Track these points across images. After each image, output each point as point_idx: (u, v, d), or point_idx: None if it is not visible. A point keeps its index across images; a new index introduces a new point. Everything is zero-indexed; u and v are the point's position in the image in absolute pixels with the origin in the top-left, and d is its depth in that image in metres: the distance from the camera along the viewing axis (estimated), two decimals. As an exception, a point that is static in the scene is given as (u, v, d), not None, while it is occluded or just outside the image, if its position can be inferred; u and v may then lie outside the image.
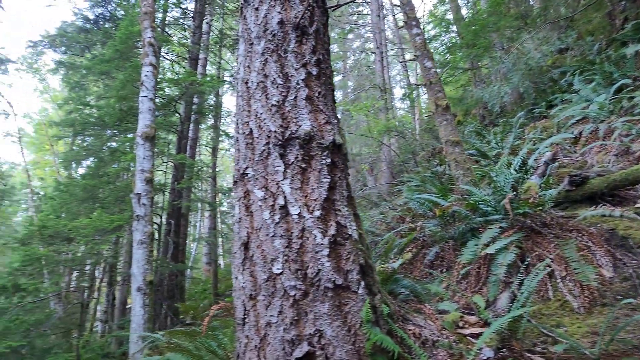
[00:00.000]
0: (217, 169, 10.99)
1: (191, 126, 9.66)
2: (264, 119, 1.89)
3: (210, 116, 11.04)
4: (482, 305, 2.25)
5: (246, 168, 1.90)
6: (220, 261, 15.91)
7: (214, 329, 2.03)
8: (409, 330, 1.85)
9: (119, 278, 10.73)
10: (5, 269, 12.21)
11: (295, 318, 1.62)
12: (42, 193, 16.28)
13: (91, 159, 11.22)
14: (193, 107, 9.33)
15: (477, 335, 1.93)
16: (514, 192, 3.07)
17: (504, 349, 1.86)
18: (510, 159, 3.73)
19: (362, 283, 1.72)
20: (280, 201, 1.76)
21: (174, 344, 1.97)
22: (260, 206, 1.81)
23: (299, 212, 1.74)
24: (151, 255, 6.47)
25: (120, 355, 7.16)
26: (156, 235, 9.13)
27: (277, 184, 1.80)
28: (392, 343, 1.55)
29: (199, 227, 17.74)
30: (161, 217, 8.66)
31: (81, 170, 13.55)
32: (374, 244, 4.19)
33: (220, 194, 12.29)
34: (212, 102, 10.45)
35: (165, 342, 4.91)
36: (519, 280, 2.37)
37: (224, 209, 14.19)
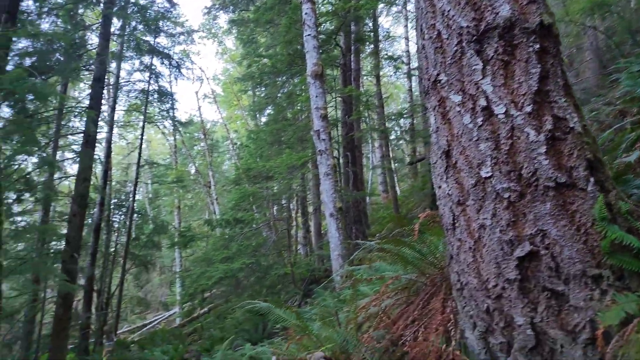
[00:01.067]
0: (382, 97, 11.10)
1: (352, 57, 9.86)
2: (453, 15, 1.78)
3: (368, 43, 10.99)
4: None
5: (438, 74, 1.87)
6: (397, 187, 16.54)
7: (421, 238, 2.20)
8: (657, 230, 1.61)
9: (310, 209, 12.45)
10: (226, 207, 15.59)
11: (512, 220, 1.61)
12: (238, 143, 19.68)
13: (270, 106, 12.82)
14: (352, 36, 9.44)
15: None
16: None
17: None
18: None
19: (591, 179, 1.56)
20: (482, 102, 1.70)
21: (385, 250, 2.24)
22: (458, 111, 1.78)
23: (505, 111, 1.65)
24: (337, 185, 7.21)
25: (324, 271, 8.50)
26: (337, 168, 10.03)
27: (475, 84, 1.72)
28: (636, 240, 1.40)
29: (371, 157, 18.64)
30: (338, 151, 9.43)
31: (264, 119, 15.71)
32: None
33: (388, 122, 12.45)
34: (370, 28, 10.33)
35: (362, 256, 5.55)
36: None
37: (392, 137, 14.39)
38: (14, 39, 9.78)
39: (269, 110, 13.07)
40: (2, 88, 7.12)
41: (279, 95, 11.62)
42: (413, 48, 15.97)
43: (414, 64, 15.84)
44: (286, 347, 3.28)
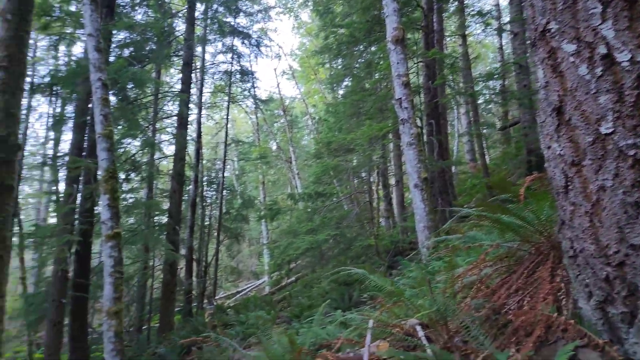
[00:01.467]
0: (469, 58, 10.38)
1: (434, 17, 9.33)
2: (565, -46, 1.62)
3: (452, 1, 10.26)
4: None
5: (547, 23, 1.72)
6: (486, 155, 15.57)
7: (525, 203, 2.09)
8: None
9: (392, 181, 12.32)
10: (307, 181, 16.08)
11: (638, 180, 1.47)
12: (317, 117, 19.98)
13: (348, 78, 12.76)
14: (434, -6, 8.91)
15: None
16: None
17: None
18: None
19: None
20: (602, 50, 1.53)
21: (483, 217, 2.17)
22: (572, 62, 1.63)
23: (631, 58, 1.48)
24: (421, 155, 7.03)
25: (409, 243, 8.48)
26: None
27: (593, 30, 1.56)
28: None
29: (456, 125, 17.76)
30: (421, 119, 9.14)
31: (341, 91, 15.70)
32: None
33: (476, 85, 11.66)
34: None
35: (451, 226, 5.41)
36: None
37: (480, 101, 13.49)
38: (113, 32, 10.87)
39: (346, 82, 13.01)
40: (109, 77, 8.00)
41: (356, 65, 11.49)
42: (504, 0, 14.56)
43: (505, 18, 14.48)
44: (378, 314, 3.39)
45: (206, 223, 16.34)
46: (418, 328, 2.59)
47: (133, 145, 14.42)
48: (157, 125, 14.98)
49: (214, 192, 17.27)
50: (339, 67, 13.01)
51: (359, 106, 10.69)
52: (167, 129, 17.45)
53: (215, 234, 15.26)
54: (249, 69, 14.38)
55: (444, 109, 9.96)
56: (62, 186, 13.40)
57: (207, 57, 14.26)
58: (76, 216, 10.08)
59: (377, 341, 2.63)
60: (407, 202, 13.41)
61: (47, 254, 11.14)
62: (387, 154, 12.79)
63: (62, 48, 14.76)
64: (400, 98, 6.82)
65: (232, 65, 13.75)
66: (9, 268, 2.63)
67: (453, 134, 17.71)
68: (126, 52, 11.49)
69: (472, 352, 2.13)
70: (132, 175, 13.24)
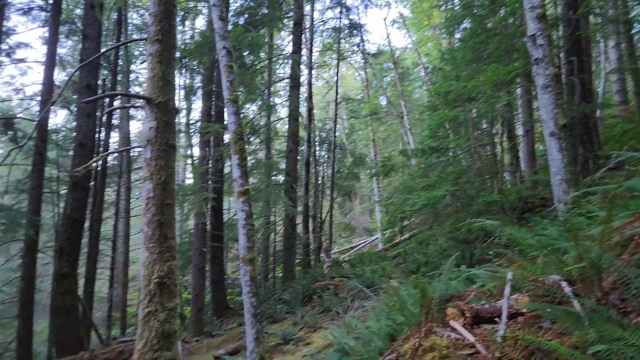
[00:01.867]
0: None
1: None
2: None
3: None
4: None
5: None
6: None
7: None
8: None
9: (519, 131, 11.22)
10: (421, 136, 15.58)
11: None
12: (430, 67, 18.91)
13: (467, 19, 11.68)
14: None
15: None
16: None
17: None
18: None
19: None
20: None
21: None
22: None
23: None
24: (559, 98, 6.25)
25: (540, 199, 7.77)
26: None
27: None
28: None
29: (602, 61, 15.16)
30: (559, 57, 8.02)
31: (458, 35, 14.48)
32: None
33: (631, 11, 9.66)
34: None
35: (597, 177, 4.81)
36: None
37: (637, 29, 11.22)
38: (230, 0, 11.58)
39: (465, 24, 11.92)
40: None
41: (477, 3, 10.40)
42: None
43: None
44: (512, 270, 3.26)
45: (319, 181, 17.13)
46: (564, 284, 2.45)
47: (251, 110, 15.57)
48: (272, 89, 15.83)
49: (325, 152, 17.89)
50: (456, 7, 11.95)
51: (480, 50, 9.74)
52: (280, 92, 18.36)
53: (329, 191, 15.93)
54: (358, 22, 14.12)
55: (588, 44, 8.54)
56: (196, 150, 15.25)
57: (316, 15, 14.35)
58: (209, 176, 11.47)
59: (515, 295, 2.56)
60: (538, 154, 12.13)
61: (189, 210, 12.95)
62: (513, 101, 11.61)
63: (187, 23, 16.29)
64: (534, 34, 6.09)
65: (340, 20, 13.64)
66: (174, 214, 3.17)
67: (598, 72, 15.14)
68: (241, 20, 12.18)
69: (633, 310, 1.96)
70: (252, 138, 14.41)
